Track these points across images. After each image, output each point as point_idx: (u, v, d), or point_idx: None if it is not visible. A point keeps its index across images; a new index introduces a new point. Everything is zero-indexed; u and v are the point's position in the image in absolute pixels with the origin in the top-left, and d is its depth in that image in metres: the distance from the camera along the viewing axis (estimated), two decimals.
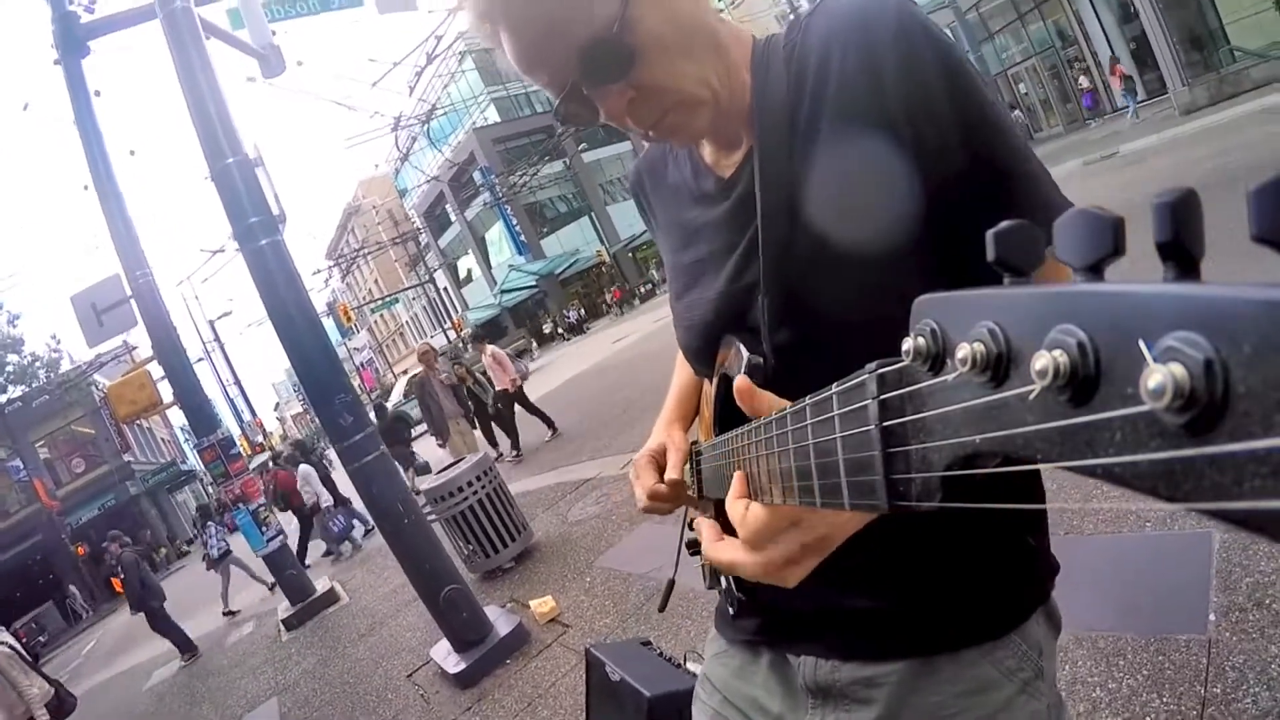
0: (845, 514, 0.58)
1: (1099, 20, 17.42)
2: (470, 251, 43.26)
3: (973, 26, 19.22)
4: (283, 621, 7.06)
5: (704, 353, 0.91)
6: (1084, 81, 19.40)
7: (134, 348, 20.89)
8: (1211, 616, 2.06)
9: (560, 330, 35.74)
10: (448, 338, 40.06)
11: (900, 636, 0.80)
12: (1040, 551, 0.84)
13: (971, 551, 0.78)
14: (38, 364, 26.78)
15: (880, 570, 0.78)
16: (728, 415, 0.83)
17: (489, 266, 41.61)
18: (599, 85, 0.72)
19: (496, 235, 40.10)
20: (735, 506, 0.60)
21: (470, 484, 4.98)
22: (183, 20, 3.63)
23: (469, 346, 8.42)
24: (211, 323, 29.32)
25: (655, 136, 0.79)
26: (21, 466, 23.31)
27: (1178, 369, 0.19)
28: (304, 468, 9.98)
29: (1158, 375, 0.19)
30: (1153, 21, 15.23)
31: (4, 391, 24.60)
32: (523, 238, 36.81)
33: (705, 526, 0.67)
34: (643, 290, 35.53)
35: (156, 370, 7.37)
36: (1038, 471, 0.26)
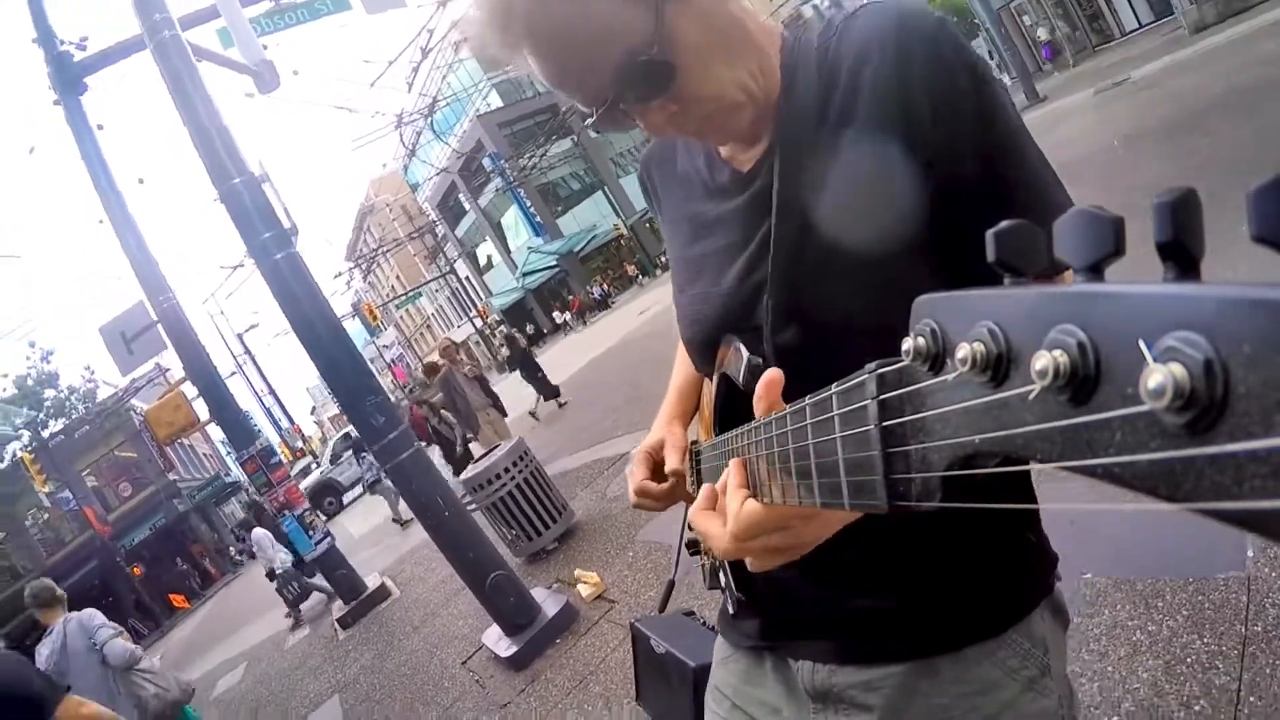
0: (832, 523, 0.60)
1: None
2: (488, 238, 43.31)
3: (1019, 117, 18.81)
4: (338, 620, 7.25)
5: (706, 349, 0.90)
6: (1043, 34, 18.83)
7: (167, 369, 21.29)
8: (1250, 553, 2.04)
9: (568, 321, 35.48)
10: (474, 325, 40.26)
11: (898, 638, 0.80)
12: (1039, 546, 0.83)
13: (970, 550, 0.78)
14: (74, 396, 27.42)
15: (878, 570, 0.78)
16: (728, 414, 0.85)
17: (508, 251, 41.65)
18: (639, 101, 0.72)
19: (512, 219, 40.11)
20: (733, 497, 0.61)
21: (507, 470, 5.04)
22: (172, 48, 3.66)
23: (443, 367, 7.71)
24: (240, 336, 29.75)
25: (697, 139, 0.81)
26: (71, 497, 23.97)
27: (1178, 369, 0.19)
28: (257, 532, 9.03)
29: (1158, 375, 0.19)
30: None
31: (45, 427, 25.24)
32: (538, 219, 36.71)
33: (705, 492, 0.68)
34: (662, 260, 35.10)
35: (191, 390, 7.54)
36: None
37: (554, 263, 37.60)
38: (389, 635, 6.08)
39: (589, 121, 0.77)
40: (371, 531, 12.73)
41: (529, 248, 37.44)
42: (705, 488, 0.67)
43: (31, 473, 15.50)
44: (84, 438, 25.81)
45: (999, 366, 0.27)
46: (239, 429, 7.41)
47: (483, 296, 45.48)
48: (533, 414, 11.65)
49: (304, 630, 8.48)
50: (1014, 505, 0.73)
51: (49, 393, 26.42)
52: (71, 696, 2.92)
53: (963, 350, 0.28)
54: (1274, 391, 0.17)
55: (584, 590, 4.13)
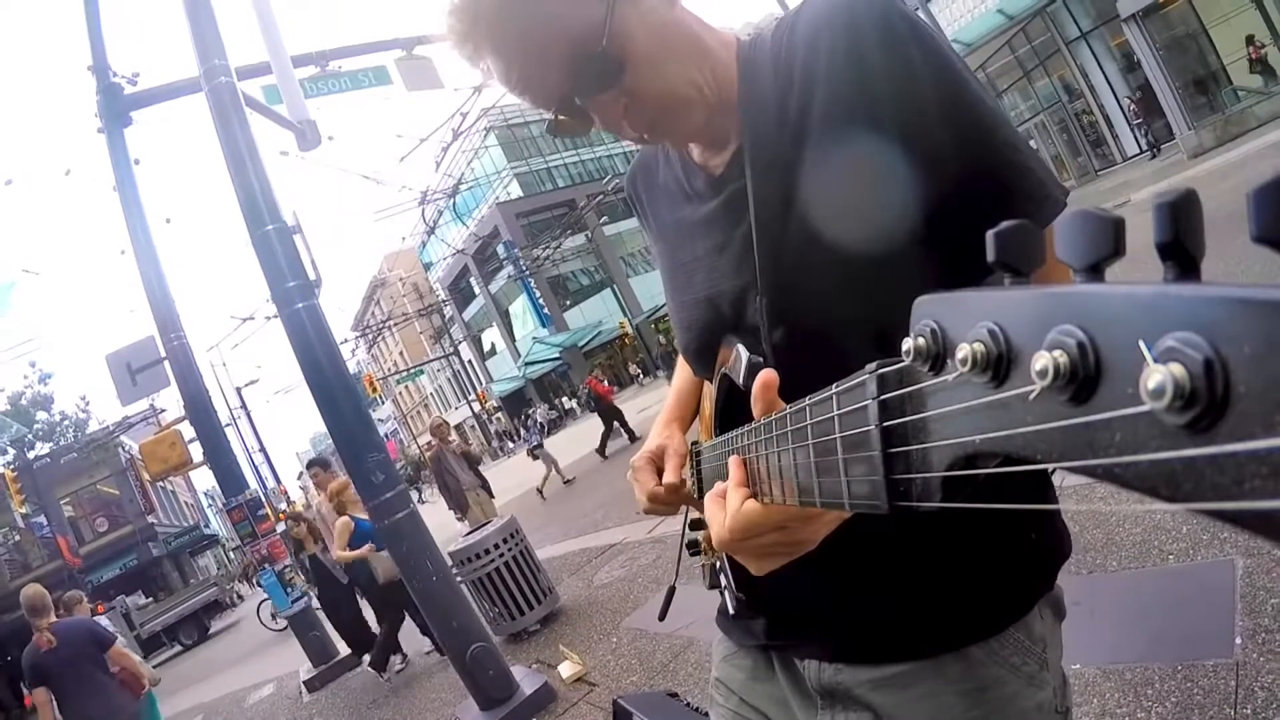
0: (829, 522, 0.60)
1: (1103, 72, 17.73)
2: (495, 324, 43.72)
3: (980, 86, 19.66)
4: (304, 682, 6.99)
5: (703, 353, 0.91)
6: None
7: (162, 410, 21.22)
8: (1238, 640, 2.05)
9: (575, 407, 35.29)
10: (472, 409, 40.11)
11: (902, 638, 0.80)
12: (1042, 544, 0.84)
13: (972, 549, 0.78)
14: (66, 423, 27.22)
15: (880, 569, 0.78)
16: (728, 415, 0.84)
17: (513, 339, 41.94)
18: (592, 95, 0.75)
19: (520, 308, 40.54)
20: (733, 495, 0.61)
21: (497, 546, 5.00)
22: (225, 93, 3.82)
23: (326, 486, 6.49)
24: (239, 389, 29.70)
25: (651, 139, 0.81)
26: (46, 523, 23.49)
27: (1178, 369, 0.19)
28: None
29: (1158, 375, 0.19)
30: (1154, 68, 15.46)
31: (32, 448, 24.95)
32: (546, 310, 37.18)
33: (718, 485, 0.67)
34: (660, 356, 35.36)
35: (185, 432, 7.50)
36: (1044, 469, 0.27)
37: (557, 355, 37.68)
38: (356, 704, 5.85)
39: (549, 124, 0.80)
40: None
41: (534, 337, 37.65)
42: (719, 484, 0.68)
43: (11, 491, 15.21)
44: (69, 465, 25.49)
45: (999, 367, 0.27)
46: (230, 475, 7.34)
47: (483, 381, 45.71)
48: (539, 491, 11.91)
49: (267, 689, 8.17)
50: (1014, 505, 0.73)
51: (41, 415, 26.24)
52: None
53: (963, 350, 0.28)
54: (1274, 392, 0.17)
55: (564, 671, 4.02)
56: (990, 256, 0.30)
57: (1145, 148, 17.18)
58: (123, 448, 26.53)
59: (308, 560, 6.88)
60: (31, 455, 24.22)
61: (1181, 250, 0.22)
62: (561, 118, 0.79)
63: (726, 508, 0.62)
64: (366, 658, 6.37)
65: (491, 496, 8.73)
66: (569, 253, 36.32)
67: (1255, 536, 0.19)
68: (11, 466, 19.64)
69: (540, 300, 37.10)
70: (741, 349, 0.78)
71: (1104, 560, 2.78)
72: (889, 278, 0.69)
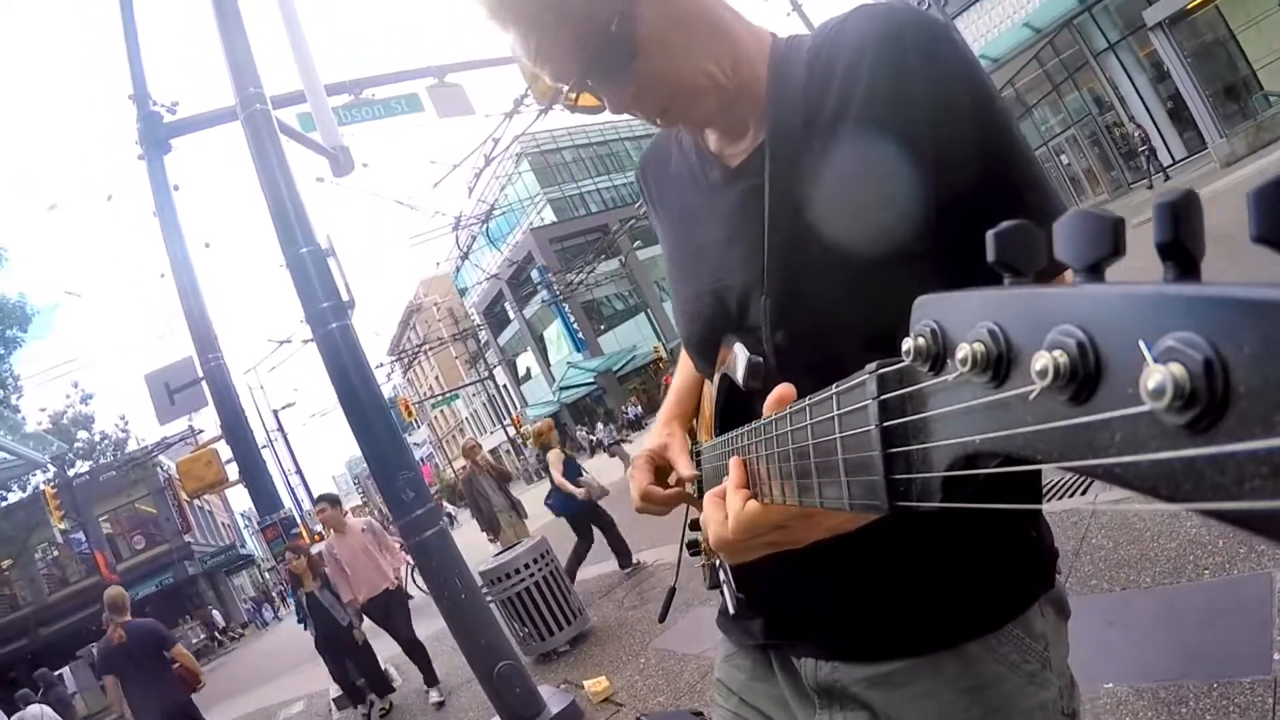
0: (826, 525, 0.60)
1: (1132, 83, 17.49)
2: (529, 349, 43.83)
3: (1009, 102, 19.47)
4: (334, 700, 7.02)
5: (705, 346, 0.90)
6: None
7: (200, 431, 21.66)
8: (1276, 656, 1.99)
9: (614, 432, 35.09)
10: (507, 434, 40.21)
11: (899, 635, 0.79)
12: (1039, 541, 0.83)
13: (970, 547, 0.77)
14: (106, 442, 27.87)
15: (876, 567, 0.77)
16: (728, 414, 0.84)
17: (548, 364, 41.98)
18: (603, 78, 0.75)
19: (555, 333, 40.60)
20: (734, 498, 0.62)
21: (527, 566, 5.03)
22: (261, 120, 3.93)
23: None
24: (275, 412, 30.19)
25: (664, 123, 0.82)
26: (84, 539, 23.98)
27: (1178, 369, 0.19)
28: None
29: (1158, 375, 0.19)
30: (1184, 77, 15.21)
31: (72, 465, 25.57)
32: (580, 335, 37.18)
33: (719, 486, 0.68)
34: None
35: (222, 452, 7.65)
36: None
37: (592, 380, 37.69)
38: None
39: (563, 95, 0.79)
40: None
41: (568, 362, 37.68)
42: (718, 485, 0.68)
43: (51, 507, 15.58)
44: (108, 483, 26.06)
45: (999, 367, 0.27)
46: (265, 494, 7.46)
47: (517, 406, 45.75)
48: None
49: (298, 706, 8.22)
50: (1014, 505, 0.72)
51: (82, 434, 26.90)
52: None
53: (963, 350, 0.28)
54: (1274, 392, 0.17)
55: (592, 691, 3.99)
56: (990, 256, 0.30)
57: (1151, 173, 16.73)
58: (161, 467, 27.07)
59: (304, 598, 6.20)
60: (71, 473, 24.80)
61: (1182, 250, 0.22)
62: (574, 97, 0.78)
63: (728, 509, 0.62)
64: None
65: (524, 517, 8.76)
66: (603, 277, 36.40)
67: (1256, 536, 0.19)
68: (52, 483, 20.12)
69: (574, 325, 37.14)
70: (741, 349, 0.78)
71: (1138, 576, 2.72)
72: (894, 285, 0.68)
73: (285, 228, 3.77)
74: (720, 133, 0.85)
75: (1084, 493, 3.60)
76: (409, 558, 6.46)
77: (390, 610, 6.05)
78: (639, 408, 35.20)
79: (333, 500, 6.36)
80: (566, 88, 0.77)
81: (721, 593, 0.95)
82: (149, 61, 7.15)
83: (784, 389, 0.59)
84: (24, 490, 23.85)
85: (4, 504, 23.20)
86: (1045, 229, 0.31)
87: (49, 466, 21.85)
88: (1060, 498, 3.64)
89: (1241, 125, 14.31)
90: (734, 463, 0.64)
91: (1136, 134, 17.34)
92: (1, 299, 20.96)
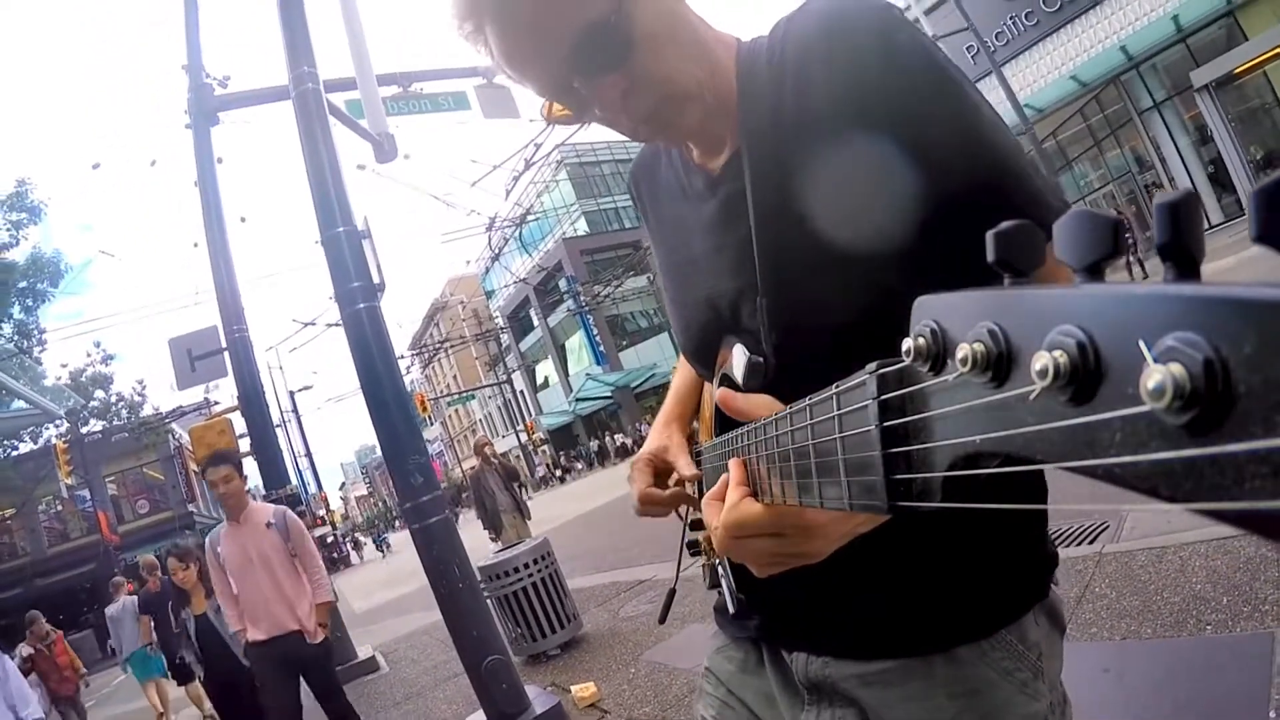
0: (834, 540, 0.61)
1: (1174, 144, 17.36)
2: (550, 357, 44.00)
3: (1050, 155, 19.38)
4: None
5: (703, 354, 0.90)
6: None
7: (215, 404, 21.87)
8: (1272, 714, 1.97)
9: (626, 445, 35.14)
10: (519, 439, 40.31)
11: (893, 635, 0.79)
12: (1037, 548, 0.83)
13: (968, 550, 0.77)
14: (121, 403, 28.14)
15: (876, 569, 0.76)
16: (728, 415, 0.84)
17: (567, 374, 42.11)
18: (593, 76, 0.72)
19: (577, 344, 40.75)
20: (732, 493, 0.62)
21: (527, 565, 5.05)
22: (311, 99, 4.02)
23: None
24: (292, 393, 30.42)
25: (646, 132, 0.79)
26: (89, 497, 24.18)
27: (1177, 369, 0.19)
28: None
29: (1157, 375, 0.19)
30: (1226, 141, 15.12)
31: (86, 423, 25.79)
32: (602, 348, 37.32)
33: (720, 482, 0.67)
34: None
35: (238, 426, 7.71)
36: (1041, 470, 0.26)
37: (609, 394, 37.71)
38: (368, 706, 5.86)
39: (541, 107, 0.77)
40: (377, 608, 12.61)
41: (587, 374, 37.74)
42: (721, 481, 0.67)
43: (60, 461, 15.69)
44: (118, 444, 26.23)
45: (999, 367, 0.27)
46: (273, 469, 7.51)
47: (532, 413, 45.92)
48: None
49: None
50: (1014, 506, 0.72)
51: (99, 393, 27.14)
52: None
53: (963, 350, 0.28)
54: (1274, 392, 0.17)
55: (578, 696, 3.99)
56: (990, 256, 0.30)
57: (1131, 261, 15.35)
58: (173, 434, 27.30)
59: (191, 622, 4.57)
60: (84, 430, 25.04)
61: (1182, 251, 0.22)
62: (556, 105, 0.77)
63: (726, 503, 0.63)
64: None
65: (527, 519, 8.76)
66: (630, 293, 36.55)
67: (1255, 536, 0.19)
68: (65, 438, 20.33)
69: (597, 337, 37.26)
70: (741, 349, 0.79)
71: (1139, 627, 2.71)
72: (888, 280, 0.69)
73: (325, 206, 3.83)
74: (700, 145, 0.85)
75: (1091, 541, 3.56)
76: (332, 593, 4.21)
77: (305, 665, 3.90)
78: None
79: (234, 461, 4.02)
80: (549, 94, 0.76)
81: (721, 592, 0.96)
82: (205, 34, 7.30)
83: (722, 393, 0.62)
84: (35, 442, 24.07)
85: (15, 453, 23.41)
86: (1029, 213, 0.31)
87: (63, 420, 22.10)
88: (1067, 545, 3.60)
89: None
90: (734, 463, 0.64)
91: (1127, 219, 16.98)
92: (37, 252, 21.23)
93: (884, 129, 0.69)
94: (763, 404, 0.66)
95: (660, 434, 1.00)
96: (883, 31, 0.70)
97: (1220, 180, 16.64)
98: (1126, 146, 19.38)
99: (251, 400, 7.29)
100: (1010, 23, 17.49)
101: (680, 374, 1.10)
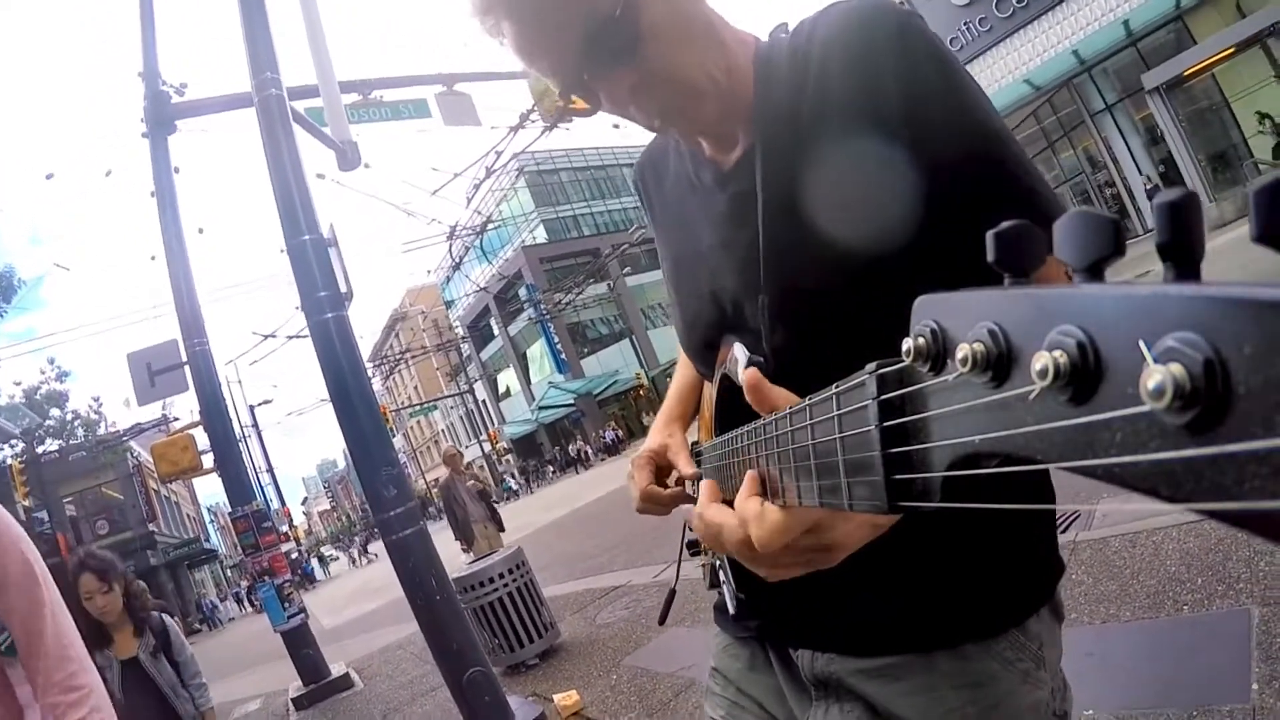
0: (854, 530, 0.58)
1: (1127, 145, 17.85)
2: (511, 366, 43.82)
3: (990, 106, 19.81)
4: (292, 700, 6.91)
5: (704, 350, 0.91)
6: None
7: (174, 419, 21.33)
8: (1255, 685, 2.03)
9: (587, 453, 34.83)
10: (482, 449, 40.05)
11: (898, 632, 0.80)
12: (1046, 551, 0.84)
13: (974, 550, 0.78)
14: (77, 422, 27.33)
15: (881, 568, 0.75)
16: (728, 415, 0.83)
17: (529, 382, 41.98)
18: (603, 70, 0.73)
19: (538, 352, 40.59)
20: (749, 505, 0.57)
21: (501, 576, 5.00)
22: (274, 105, 3.94)
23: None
24: (252, 408, 29.81)
25: (659, 126, 0.79)
26: (47, 519, 23.42)
27: (1177, 369, 0.19)
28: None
29: (1157, 375, 0.19)
30: (1177, 141, 15.59)
31: (42, 442, 24.98)
32: (564, 355, 37.22)
33: (705, 487, 0.66)
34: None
35: (200, 441, 7.53)
36: (1046, 470, 0.27)
37: (571, 401, 37.51)
38: None
39: (558, 94, 0.76)
40: (346, 624, 12.40)
41: (550, 382, 37.57)
42: (705, 484, 0.66)
43: (16, 483, 15.20)
44: (75, 464, 25.45)
45: (999, 367, 0.27)
46: (238, 485, 7.36)
47: (495, 422, 45.74)
48: None
49: (253, 705, 8.06)
50: (1013, 506, 0.71)
51: (54, 412, 26.34)
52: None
53: (963, 350, 0.28)
54: (1274, 392, 0.17)
55: (561, 705, 3.95)
56: (990, 257, 0.30)
57: None
58: (131, 453, 26.59)
59: (115, 668, 3.03)
60: (40, 450, 24.27)
61: (1181, 250, 0.22)
62: (566, 99, 0.77)
63: (746, 517, 0.57)
64: None
65: (501, 530, 8.68)
66: (590, 300, 36.35)
67: (1255, 536, 0.19)
68: (20, 458, 19.68)
69: (558, 346, 37.15)
70: (741, 348, 0.79)
71: (1117, 611, 2.78)
72: (891, 283, 0.67)
73: (290, 214, 3.77)
74: (712, 141, 0.86)
75: (1064, 531, 3.64)
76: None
77: None
78: (617, 432, 35.13)
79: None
80: (561, 88, 0.76)
81: (720, 592, 0.95)
82: (162, 41, 7.14)
83: (751, 373, 0.60)
84: None
85: None
86: (1033, 212, 0.31)
87: (18, 440, 21.40)
88: None
89: (1231, 190, 14.72)
90: (750, 477, 0.60)
91: (1147, 188, 17.54)
92: None
93: (895, 131, 0.70)
94: (786, 398, 0.63)
95: (661, 432, 1.00)
96: (900, 35, 0.71)
97: (1171, 179, 17.14)
98: (1079, 148, 19.87)
99: (213, 415, 7.14)
100: (965, 28, 17.84)
101: (680, 373, 1.11)
